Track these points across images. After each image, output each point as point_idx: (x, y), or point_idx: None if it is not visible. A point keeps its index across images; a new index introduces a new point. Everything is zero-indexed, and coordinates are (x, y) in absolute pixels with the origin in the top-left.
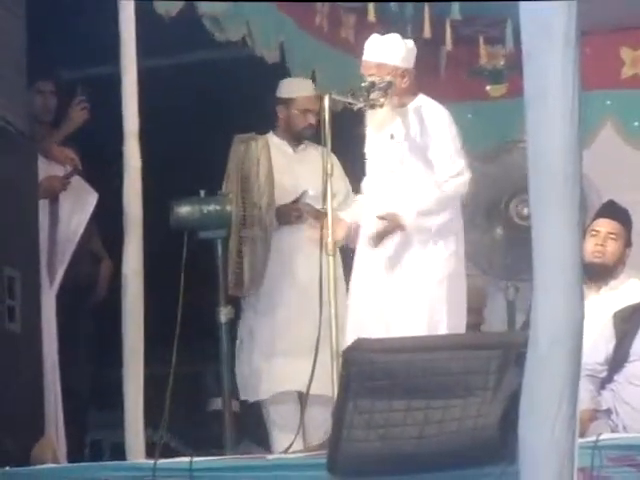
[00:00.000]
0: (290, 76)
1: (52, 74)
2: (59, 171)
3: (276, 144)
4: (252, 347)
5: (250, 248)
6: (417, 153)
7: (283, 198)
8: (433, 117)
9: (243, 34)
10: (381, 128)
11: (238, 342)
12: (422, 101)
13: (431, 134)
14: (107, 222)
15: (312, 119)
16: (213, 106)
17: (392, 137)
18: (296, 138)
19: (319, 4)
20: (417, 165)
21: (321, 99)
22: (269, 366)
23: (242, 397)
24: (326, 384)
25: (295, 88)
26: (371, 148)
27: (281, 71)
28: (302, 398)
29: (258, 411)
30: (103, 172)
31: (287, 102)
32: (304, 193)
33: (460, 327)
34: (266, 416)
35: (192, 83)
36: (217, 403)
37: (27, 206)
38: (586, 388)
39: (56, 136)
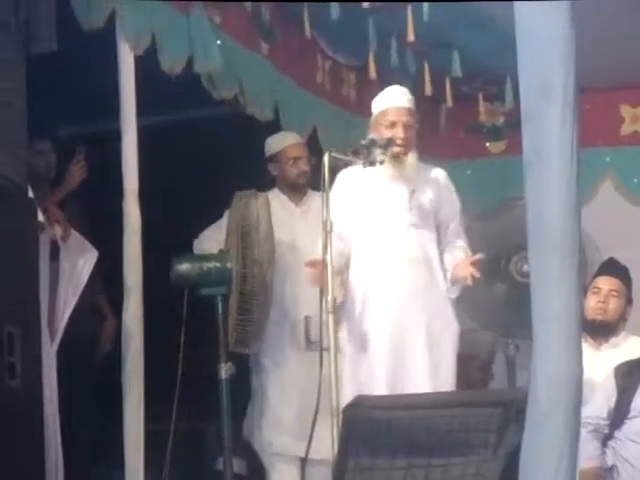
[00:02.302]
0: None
1: (50, 133)
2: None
3: (280, 200)
4: (257, 405)
5: (250, 305)
6: (433, 209)
7: (283, 254)
8: (440, 175)
9: (235, 92)
10: (403, 180)
11: (253, 392)
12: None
13: (442, 192)
14: (112, 279)
15: (304, 166)
16: (214, 163)
17: (413, 192)
18: (297, 191)
19: (320, 62)
20: (432, 222)
21: (322, 156)
22: (272, 428)
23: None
24: (328, 448)
25: (280, 141)
26: (386, 202)
27: (279, 129)
28: (303, 461)
29: (263, 472)
30: (104, 229)
31: (277, 157)
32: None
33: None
34: (268, 476)
35: (193, 140)
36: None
37: (28, 262)
38: (592, 445)
39: (56, 195)
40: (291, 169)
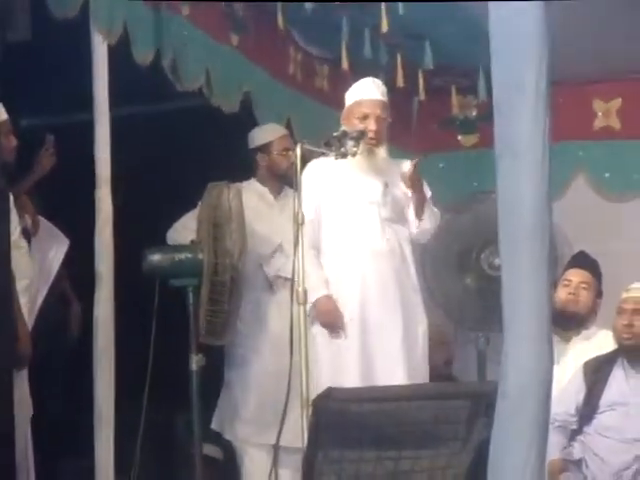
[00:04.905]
0: (259, 124)
1: (19, 122)
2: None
3: (258, 191)
4: (230, 396)
5: (221, 295)
6: (404, 203)
7: (259, 246)
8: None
9: (200, 84)
10: (376, 174)
11: (223, 387)
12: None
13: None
14: (77, 266)
15: (293, 157)
16: (187, 154)
17: (387, 185)
18: (279, 184)
19: (292, 54)
20: (404, 216)
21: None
22: (247, 417)
23: (213, 426)
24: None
25: (269, 132)
26: (359, 195)
27: (252, 120)
28: (275, 449)
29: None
30: (75, 218)
31: (265, 148)
32: (279, 246)
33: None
34: (239, 464)
35: (165, 130)
36: (208, 449)
37: None
38: (557, 439)
39: (25, 183)
40: (283, 160)
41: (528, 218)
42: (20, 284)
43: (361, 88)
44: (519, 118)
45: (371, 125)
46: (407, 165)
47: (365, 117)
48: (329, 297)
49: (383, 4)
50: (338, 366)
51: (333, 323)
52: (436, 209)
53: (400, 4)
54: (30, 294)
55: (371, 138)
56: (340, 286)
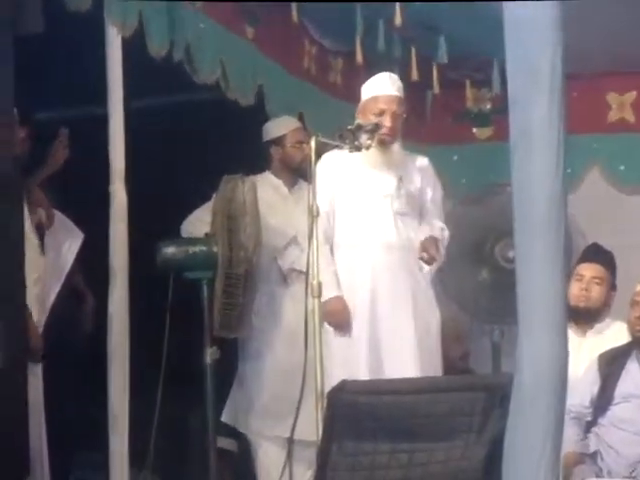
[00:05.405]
0: (271, 118)
1: (27, 120)
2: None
3: (273, 184)
4: (244, 389)
5: (236, 288)
6: (417, 197)
7: (273, 239)
8: (424, 163)
9: (217, 77)
10: (390, 167)
11: (236, 380)
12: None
13: (428, 180)
14: (91, 260)
15: (306, 150)
16: (201, 146)
17: (401, 179)
18: (293, 176)
19: (306, 47)
20: (417, 210)
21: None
22: (262, 411)
23: (223, 419)
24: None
25: (283, 125)
26: (373, 188)
27: (266, 113)
28: (289, 443)
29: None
30: (89, 212)
31: (279, 141)
32: (293, 238)
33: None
34: (254, 457)
35: (179, 123)
36: (222, 441)
37: (13, 249)
38: (572, 431)
39: (38, 176)
40: (297, 152)
41: (543, 210)
42: (29, 277)
43: (378, 83)
44: (534, 108)
45: (387, 122)
46: (422, 160)
47: (381, 113)
48: (339, 298)
49: None
50: (349, 358)
51: (341, 324)
52: (445, 228)
53: None
54: (39, 287)
55: (386, 134)
56: (352, 278)
